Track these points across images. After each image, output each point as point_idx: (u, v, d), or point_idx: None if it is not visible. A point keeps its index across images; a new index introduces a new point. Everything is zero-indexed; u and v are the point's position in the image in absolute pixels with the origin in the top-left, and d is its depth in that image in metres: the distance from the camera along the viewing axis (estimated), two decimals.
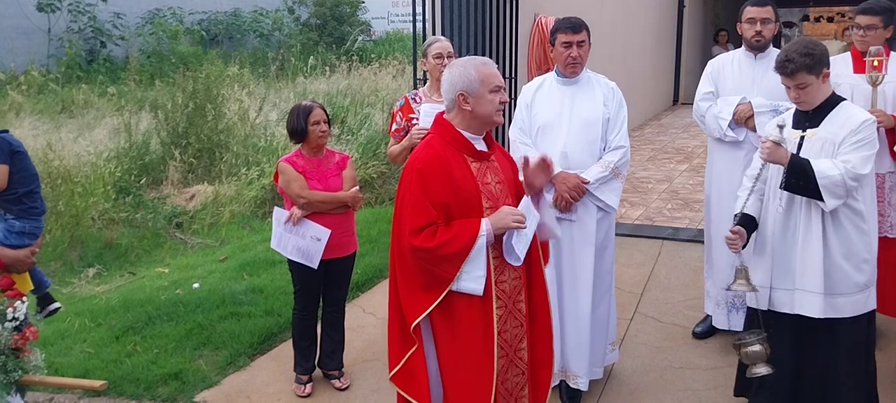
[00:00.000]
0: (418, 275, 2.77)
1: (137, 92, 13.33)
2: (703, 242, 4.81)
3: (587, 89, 3.89)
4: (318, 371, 4.41)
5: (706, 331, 4.68)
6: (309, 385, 4.30)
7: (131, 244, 7.75)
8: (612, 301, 4.09)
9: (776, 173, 3.29)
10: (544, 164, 2.87)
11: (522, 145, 3.90)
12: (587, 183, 3.76)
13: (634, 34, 11.78)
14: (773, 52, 4.09)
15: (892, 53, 4.17)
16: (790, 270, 3.26)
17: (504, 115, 3.27)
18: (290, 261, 4.17)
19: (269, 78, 15.01)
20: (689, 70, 14.43)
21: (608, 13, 10.31)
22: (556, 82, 3.93)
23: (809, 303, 3.20)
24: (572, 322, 3.90)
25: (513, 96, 6.48)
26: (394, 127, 4.39)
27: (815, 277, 3.18)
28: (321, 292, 4.30)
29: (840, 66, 4.21)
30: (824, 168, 3.08)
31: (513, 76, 6.99)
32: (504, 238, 2.80)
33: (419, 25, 6.88)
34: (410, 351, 2.84)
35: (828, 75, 3.21)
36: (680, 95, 14.73)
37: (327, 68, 15.43)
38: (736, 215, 3.39)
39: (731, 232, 3.31)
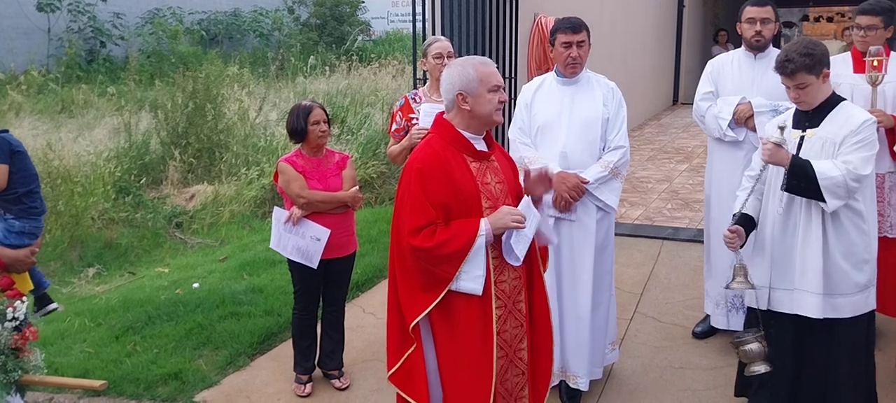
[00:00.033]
0: (417, 275, 2.77)
1: (137, 92, 13.33)
2: (702, 242, 4.81)
3: (587, 89, 3.89)
4: (317, 371, 4.41)
5: (706, 331, 4.68)
6: (309, 385, 4.30)
7: (131, 244, 7.75)
8: (612, 301, 4.09)
9: (775, 173, 3.29)
10: (544, 176, 2.88)
11: (522, 145, 3.90)
12: (587, 182, 3.76)
13: (634, 34, 11.79)
14: (773, 52, 4.09)
15: (892, 53, 4.17)
16: (789, 270, 3.26)
17: (504, 115, 3.28)
18: (290, 261, 4.17)
19: (269, 78, 15.01)
20: (689, 70, 14.44)
21: (608, 13, 10.31)
22: (555, 82, 3.93)
23: (808, 303, 3.20)
24: (572, 322, 3.90)
25: (512, 96, 6.48)
26: (394, 127, 4.39)
27: (814, 277, 3.18)
28: (321, 292, 4.30)
29: (840, 65, 4.21)
30: (825, 169, 3.08)
31: (513, 76, 6.99)
32: (503, 238, 2.80)
33: (419, 25, 6.88)
34: (409, 351, 2.84)
35: (828, 75, 3.21)
36: (680, 95, 14.73)
37: (327, 68, 15.43)
38: (735, 214, 3.39)
39: (730, 230, 3.32)
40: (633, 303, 5.24)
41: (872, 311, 3.38)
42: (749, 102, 4.21)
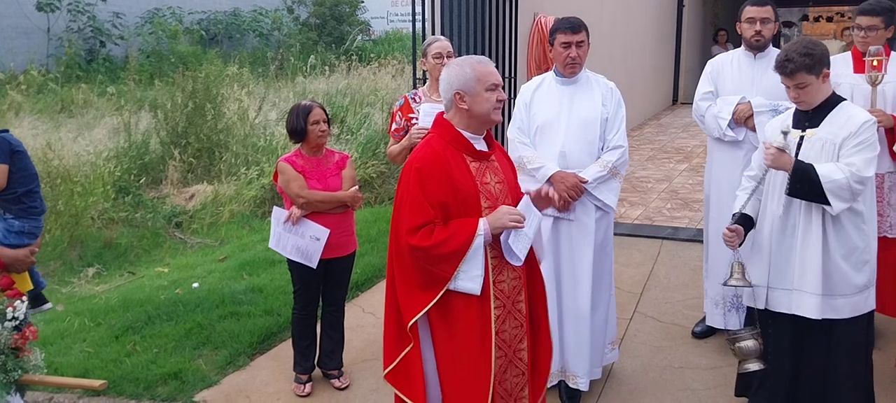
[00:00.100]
0: (416, 274, 2.77)
1: (137, 91, 13.33)
2: (702, 242, 4.82)
3: (586, 89, 3.89)
4: (317, 371, 4.41)
5: (706, 331, 4.68)
6: (308, 385, 4.30)
7: (131, 243, 7.75)
8: (611, 301, 4.09)
9: (774, 172, 3.29)
10: (545, 196, 2.89)
11: (521, 144, 3.91)
12: (585, 182, 3.76)
13: (634, 34, 11.79)
14: (773, 52, 4.09)
15: (892, 53, 4.17)
16: (788, 270, 3.26)
17: (503, 114, 3.28)
18: (290, 261, 4.17)
19: (269, 77, 15.00)
20: (689, 70, 14.44)
21: (608, 13, 10.31)
22: (554, 82, 3.93)
23: (808, 304, 3.20)
24: (572, 322, 3.90)
25: (512, 96, 6.48)
26: (393, 126, 4.39)
27: (813, 278, 3.18)
28: (320, 291, 4.30)
29: (840, 65, 4.21)
30: (829, 172, 3.08)
31: (512, 76, 7.00)
32: (502, 238, 2.80)
33: (419, 25, 6.88)
34: (406, 350, 2.84)
35: (827, 75, 3.20)
36: (679, 95, 14.74)
37: (326, 68, 15.43)
38: (734, 214, 3.39)
39: (729, 229, 3.32)
40: (632, 303, 5.24)
41: (871, 311, 3.38)
42: (749, 102, 4.21)
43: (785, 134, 3.15)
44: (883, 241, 4.00)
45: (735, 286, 3.36)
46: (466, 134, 2.83)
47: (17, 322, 3.14)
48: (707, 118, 4.40)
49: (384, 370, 2.92)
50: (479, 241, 2.71)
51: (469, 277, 2.73)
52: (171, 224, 8.34)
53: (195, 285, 5.98)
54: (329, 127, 4.22)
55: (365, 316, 5.27)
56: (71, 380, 3.81)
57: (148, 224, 8.17)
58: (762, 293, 3.35)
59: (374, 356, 4.58)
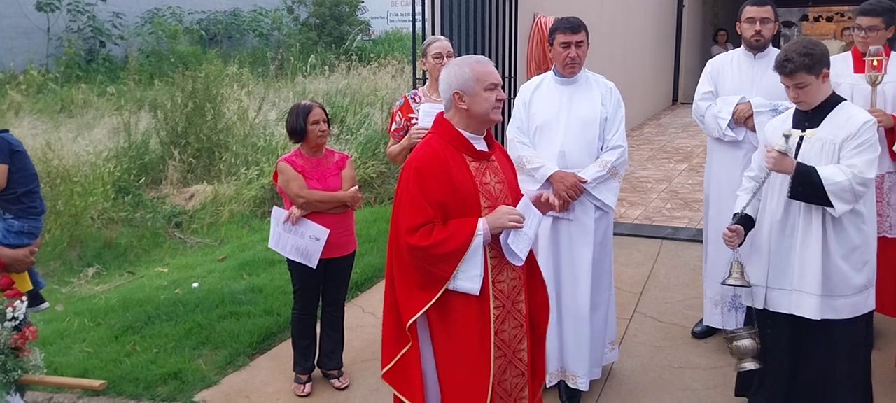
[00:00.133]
0: (415, 274, 2.77)
1: (137, 91, 13.32)
2: (702, 242, 4.82)
3: (585, 89, 3.89)
4: (317, 371, 4.41)
5: (705, 331, 4.68)
6: (308, 385, 4.30)
7: (130, 243, 7.75)
8: (611, 300, 4.09)
9: (774, 174, 3.29)
10: (544, 202, 2.90)
11: (520, 144, 3.91)
12: (585, 182, 3.76)
13: (634, 34, 11.79)
14: (773, 52, 4.09)
15: (892, 53, 4.17)
16: (787, 270, 3.26)
17: (503, 114, 3.28)
18: (290, 261, 4.17)
19: (269, 77, 15.00)
20: (689, 70, 14.44)
21: (608, 13, 10.31)
22: (554, 82, 3.93)
23: (807, 305, 3.20)
24: (571, 322, 3.90)
25: (512, 96, 6.48)
26: (393, 126, 4.39)
27: (813, 278, 3.18)
28: (320, 291, 4.30)
29: (840, 65, 4.21)
30: (831, 174, 3.07)
31: (512, 76, 6.99)
32: (501, 238, 2.80)
33: (419, 25, 6.88)
34: (404, 349, 2.84)
35: (827, 75, 3.20)
36: (679, 95, 14.74)
37: (326, 68, 15.43)
38: (736, 214, 3.39)
39: (729, 229, 3.32)
40: (632, 303, 5.25)
41: (871, 311, 3.38)
42: (748, 102, 4.22)
43: (787, 137, 3.14)
44: (882, 241, 4.00)
45: (733, 285, 3.36)
46: (466, 133, 2.83)
47: (17, 322, 3.14)
48: (707, 118, 4.40)
49: (382, 369, 2.92)
50: (477, 241, 2.71)
51: (468, 277, 2.73)
52: (171, 224, 8.34)
53: (195, 285, 5.98)
54: (329, 127, 4.22)
55: (365, 316, 5.27)
56: (71, 380, 3.81)
57: (148, 224, 8.17)
58: (761, 292, 3.35)
59: (374, 356, 4.58)
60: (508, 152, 3.34)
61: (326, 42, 19.86)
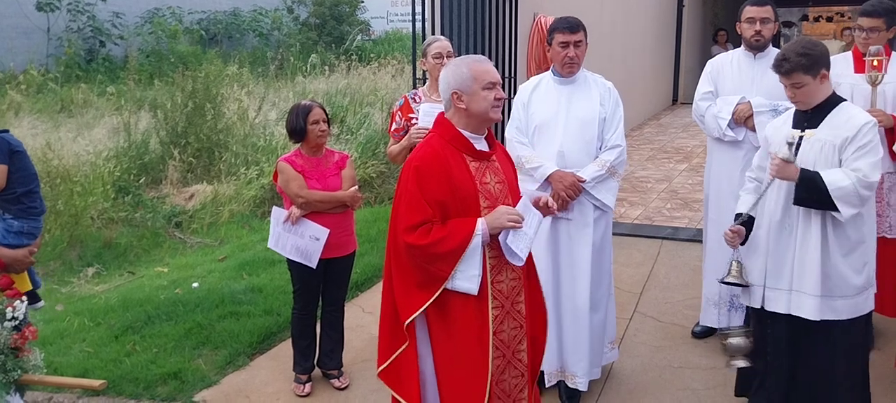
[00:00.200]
0: (414, 273, 2.77)
1: (136, 91, 13.31)
2: (701, 241, 4.82)
3: (584, 89, 3.89)
4: (317, 371, 4.41)
5: (705, 331, 4.68)
6: (308, 385, 4.30)
7: (130, 243, 7.75)
8: (610, 300, 4.09)
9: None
10: (543, 205, 2.90)
11: (519, 144, 3.91)
12: (583, 181, 3.76)
13: (634, 34, 11.79)
14: (773, 52, 4.09)
15: (892, 53, 4.17)
16: (786, 270, 3.25)
17: (503, 113, 3.28)
18: (290, 261, 4.17)
19: (269, 77, 14.99)
20: (689, 70, 14.44)
21: (608, 13, 10.31)
22: (552, 81, 3.93)
23: (807, 305, 3.19)
24: (570, 322, 3.90)
25: (512, 96, 6.48)
26: (393, 126, 4.39)
27: (812, 279, 3.17)
28: (320, 291, 4.30)
29: (841, 65, 4.21)
30: (836, 179, 3.07)
31: (512, 75, 7.00)
32: (501, 238, 2.79)
33: (418, 25, 6.88)
34: (401, 349, 2.84)
35: (826, 76, 3.19)
36: (679, 95, 14.74)
37: (326, 68, 15.43)
38: (739, 215, 3.39)
39: (731, 230, 3.32)
40: (632, 303, 5.25)
41: (870, 311, 3.38)
42: (748, 102, 4.22)
43: (790, 144, 3.13)
44: (882, 241, 4.00)
45: (731, 283, 3.37)
46: (466, 133, 2.83)
47: (17, 322, 3.14)
48: (707, 118, 4.40)
49: (378, 367, 2.92)
50: (476, 241, 2.71)
51: (466, 277, 2.73)
52: (171, 224, 8.34)
53: (195, 285, 5.98)
54: (329, 127, 4.22)
55: (365, 316, 5.27)
56: (70, 380, 3.81)
57: (148, 224, 8.17)
58: (758, 292, 3.34)
59: (374, 356, 4.52)
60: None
61: (326, 42, 19.85)
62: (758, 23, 4.20)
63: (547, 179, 3.77)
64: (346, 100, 11.86)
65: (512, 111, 4.04)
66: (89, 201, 7.81)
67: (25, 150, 4.19)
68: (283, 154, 5.32)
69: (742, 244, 3.38)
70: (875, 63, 3.97)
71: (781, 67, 3.16)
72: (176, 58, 16.42)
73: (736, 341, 3.34)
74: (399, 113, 4.37)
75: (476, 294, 2.75)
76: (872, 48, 4.00)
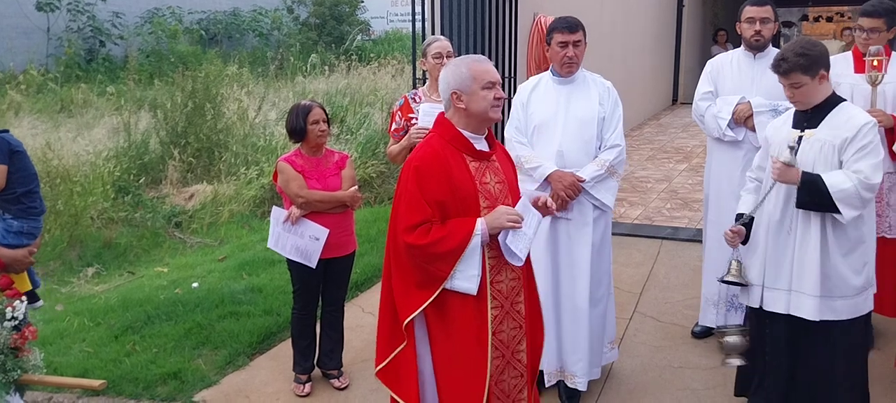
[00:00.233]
0: (413, 272, 2.77)
1: (136, 91, 13.31)
2: (701, 241, 4.82)
3: (583, 88, 3.89)
4: (317, 371, 4.41)
5: (705, 331, 4.68)
6: (308, 385, 4.30)
7: (130, 243, 7.75)
8: (610, 300, 4.09)
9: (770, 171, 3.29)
10: (541, 205, 2.90)
11: (518, 144, 3.91)
12: (583, 181, 3.76)
13: (634, 34, 11.79)
14: (773, 52, 4.09)
15: (892, 53, 4.17)
16: (784, 270, 3.25)
17: (503, 112, 3.28)
18: (289, 261, 4.17)
19: (268, 77, 15.00)
20: (689, 70, 14.45)
21: (608, 13, 10.31)
22: (551, 81, 3.94)
23: (806, 306, 3.19)
24: (570, 322, 3.89)
25: (512, 96, 6.48)
26: (393, 126, 4.39)
27: (812, 279, 3.17)
28: (320, 291, 4.30)
29: (841, 65, 4.21)
30: (838, 181, 3.06)
31: (512, 75, 7.00)
32: (500, 238, 2.79)
33: (418, 25, 6.88)
34: (399, 348, 2.84)
35: (825, 77, 3.18)
36: (679, 95, 14.74)
37: (326, 68, 15.43)
38: (741, 215, 3.39)
39: (731, 230, 3.32)
40: (632, 303, 5.25)
41: (869, 311, 3.38)
42: (748, 102, 4.22)
43: (791, 148, 3.13)
44: (882, 241, 4.00)
45: (731, 282, 3.37)
46: (466, 133, 2.83)
47: (17, 322, 3.14)
48: (707, 118, 4.40)
49: (375, 366, 2.93)
50: (475, 241, 2.71)
51: (465, 277, 2.73)
52: (171, 224, 8.34)
53: (195, 285, 5.98)
54: (329, 126, 4.22)
55: (364, 316, 5.27)
56: (70, 380, 3.81)
57: (147, 224, 8.17)
58: (757, 291, 3.34)
59: (374, 356, 4.57)
60: None
61: (326, 42, 19.86)
62: (758, 23, 4.20)
63: (546, 179, 3.77)
64: (346, 100, 11.86)
65: (511, 111, 4.04)
66: (89, 201, 7.81)
67: (25, 150, 4.19)
68: (283, 154, 5.32)
69: (743, 244, 3.38)
70: (875, 63, 3.97)
71: (779, 67, 3.16)
72: (176, 58, 16.42)
73: (731, 339, 3.36)
74: (399, 113, 4.37)
75: (475, 294, 2.75)
76: (872, 48, 4.00)
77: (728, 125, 4.27)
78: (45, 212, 4.30)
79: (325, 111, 4.17)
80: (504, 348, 2.86)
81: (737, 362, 3.35)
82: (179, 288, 5.89)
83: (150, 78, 14.54)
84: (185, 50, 17.16)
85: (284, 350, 4.68)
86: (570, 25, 3.80)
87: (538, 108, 3.90)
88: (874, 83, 4.01)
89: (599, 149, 3.85)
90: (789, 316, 3.24)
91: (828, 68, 3.19)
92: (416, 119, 4.21)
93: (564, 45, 3.79)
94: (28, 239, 4.05)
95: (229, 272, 6.30)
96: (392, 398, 2.91)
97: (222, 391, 4.35)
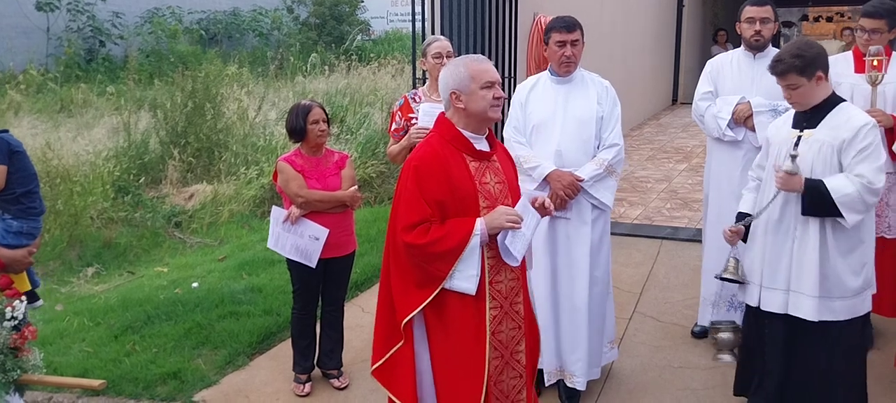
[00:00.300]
0: (412, 272, 2.77)
1: (136, 91, 13.31)
2: (701, 241, 4.82)
3: (581, 88, 3.89)
4: (316, 371, 4.41)
5: (704, 331, 4.68)
6: (308, 385, 4.30)
7: (130, 243, 7.75)
8: (610, 300, 4.08)
9: (771, 174, 3.28)
10: (540, 206, 2.90)
11: (517, 144, 3.91)
12: (581, 181, 3.76)
13: (634, 34, 11.79)
14: (773, 52, 4.09)
15: (892, 53, 4.17)
16: (782, 270, 3.25)
17: (503, 112, 3.28)
18: (289, 261, 4.17)
19: (268, 77, 14.99)
20: (688, 70, 14.45)
21: (608, 13, 10.31)
22: (550, 81, 3.94)
23: (805, 306, 3.19)
24: (568, 322, 3.89)
25: (511, 95, 6.48)
26: (393, 126, 4.39)
27: (811, 280, 3.17)
28: (320, 291, 4.30)
29: (841, 65, 4.21)
30: (840, 185, 3.06)
31: (512, 75, 7.00)
32: (498, 238, 2.79)
33: (418, 25, 6.88)
34: (395, 347, 2.84)
35: (822, 78, 3.18)
36: (679, 95, 14.74)
37: (326, 68, 15.43)
38: (743, 215, 3.39)
39: (730, 229, 3.32)
40: (632, 303, 5.25)
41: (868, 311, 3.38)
42: (748, 102, 4.22)
43: (794, 157, 3.13)
44: (881, 242, 4.00)
45: (728, 280, 3.38)
46: (466, 133, 2.83)
47: (16, 322, 3.14)
48: (706, 118, 4.40)
49: (372, 364, 2.93)
50: (475, 241, 2.71)
51: (464, 277, 2.73)
52: (171, 223, 8.34)
53: (194, 285, 5.98)
54: (329, 126, 4.22)
55: (364, 316, 5.27)
56: (70, 380, 3.81)
57: (147, 223, 8.17)
58: (755, 290, 3.34)
59: None
60: None
61: (326, 42, 19.85)
62: (757, 23, 4.20)
63: (545, 179, 3.77)
64: (345, 100, 11.86)
65: (509, 111, 4.04)
66: (89, 201, 7.81)
67: (25, 150, 4.19)
68: (282, 154, 5.32)
69: (742, 241, 3.38)
70: (875, 63, 3.97)
71: (775, 68, 3.17)
72: (176, 57, 16.42)
73: (724, 336, 3.37)
74: (399, 113, 4.37)
75: (474, 294, 2.75)
76: (872, 48, 4.00)
77: (728, 125, 4.27)
78: (44, 213, 4.30)
79: (324, 111, 4.17)
80: (503, 348, 2.86)
81: (727, 358, 3.37)
82: (179, 288, 5.89)
83: (149, 78, 14.54)
84: (184, 50, 17.16)
85: (284, 350, 4.68)
86: (568, 25, 3.80)
87: (537, 108, 3.90)
88: (874, 83, 4.01)
89: (598, 148, 3.85)
90: (788, 316, 3.24)
91: (826, 69, 3.19)
92: (416, 119, 4.21)
93: (562, 44, 3.79)
94: (28, 239, 4.05)
95: (229, 272, 6.30)
96: (389, 398, 2.91)
97: (222, 391, 4.35)
